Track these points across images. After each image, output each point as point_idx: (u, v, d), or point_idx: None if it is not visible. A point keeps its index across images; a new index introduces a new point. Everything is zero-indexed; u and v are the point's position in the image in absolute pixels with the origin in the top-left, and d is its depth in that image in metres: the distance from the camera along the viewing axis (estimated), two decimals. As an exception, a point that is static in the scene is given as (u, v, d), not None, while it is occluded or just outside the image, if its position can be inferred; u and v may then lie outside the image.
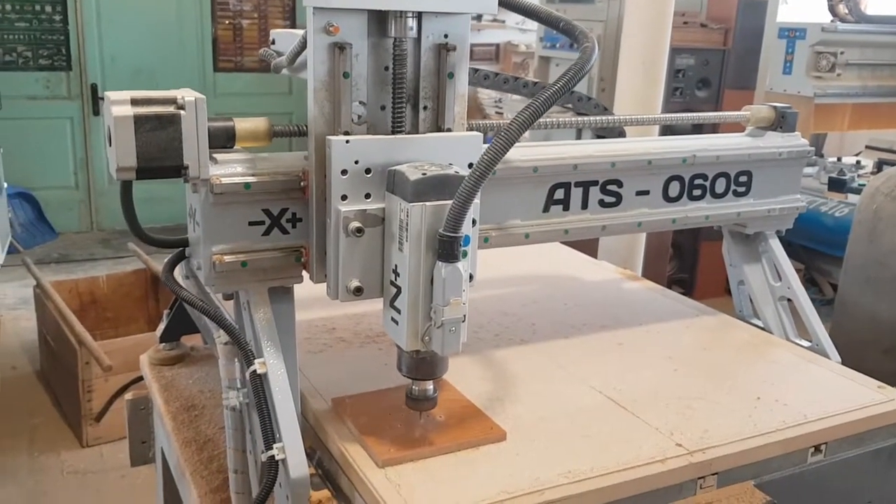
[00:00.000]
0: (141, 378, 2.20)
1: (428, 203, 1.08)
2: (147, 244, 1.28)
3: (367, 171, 1.15)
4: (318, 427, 1.30)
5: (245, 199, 1.18)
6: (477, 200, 1.12)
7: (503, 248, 2.48)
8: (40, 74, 6.86)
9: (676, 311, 1.86)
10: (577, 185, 1.47)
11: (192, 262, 1.31)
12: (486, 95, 6.39)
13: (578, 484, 1.15)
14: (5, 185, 5.96)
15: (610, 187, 1.50)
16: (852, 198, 4.86)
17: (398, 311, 1.14)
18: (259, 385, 1.18)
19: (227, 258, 1.18)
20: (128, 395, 2.25)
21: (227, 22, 7.33)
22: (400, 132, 1.19)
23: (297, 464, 1.14)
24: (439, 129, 1.22)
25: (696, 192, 1.60)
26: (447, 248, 1.07)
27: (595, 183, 1.49)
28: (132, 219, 1.25)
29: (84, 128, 7.06)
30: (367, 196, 1.16)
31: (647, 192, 1.55)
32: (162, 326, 2.14)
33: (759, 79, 5.35)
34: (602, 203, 1.50)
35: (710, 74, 5.10)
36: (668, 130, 3.55)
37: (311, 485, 1.20)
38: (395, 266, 1.14)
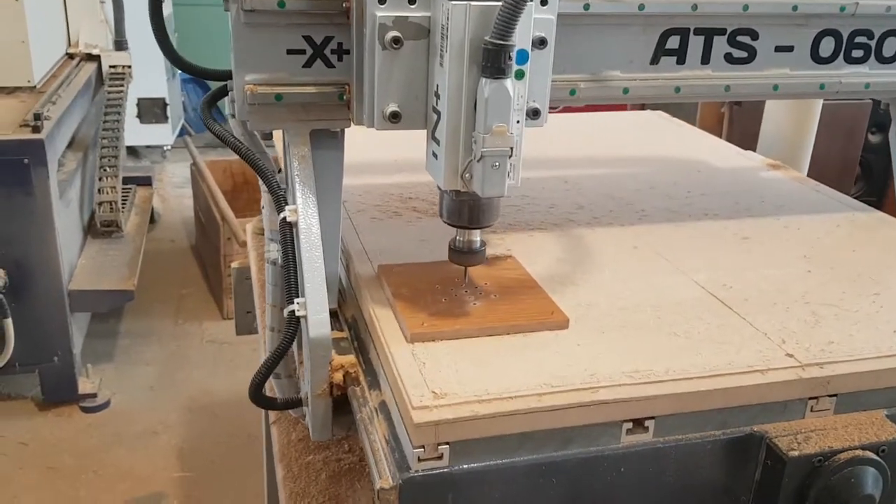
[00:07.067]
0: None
1: (473, 3, 0.88)
2: (183, 71, 1.17)
3: (413, -33, 0.95)
4: (358, 292, 1.15)
5: (282, 22, 1.02)
6: (553, 17, 0.93)
7: (611, 119, 2.20)
8: (214, -39, 7.01)
9: (827, 205, 1.52)
10: (698, 32, 1.18)
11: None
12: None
13: (643, 386, 0.92)
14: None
15: (741, 38, 1.20)
16: None
17: (438, 143, 0.95)
18: (287, 234, 1.06)
19: (261, 89, 1.04)
20: (234, 264, 2.23)
21: None
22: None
23: (318, 322, 1.00)
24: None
25: (857, 54, 1.26)
26: (493, 58, 0.87)
27: (722, 31, 1.19)
28: (164, 39, 1.14)
29: (255, 17, 7.19)
30: (412, 1, 0.95)
31: (790, 49, 1.23)
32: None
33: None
34: (729, 58, 1.21)
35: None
36: None
37: (338, 349, 1.06)
38: (437, 87, 0.95)
